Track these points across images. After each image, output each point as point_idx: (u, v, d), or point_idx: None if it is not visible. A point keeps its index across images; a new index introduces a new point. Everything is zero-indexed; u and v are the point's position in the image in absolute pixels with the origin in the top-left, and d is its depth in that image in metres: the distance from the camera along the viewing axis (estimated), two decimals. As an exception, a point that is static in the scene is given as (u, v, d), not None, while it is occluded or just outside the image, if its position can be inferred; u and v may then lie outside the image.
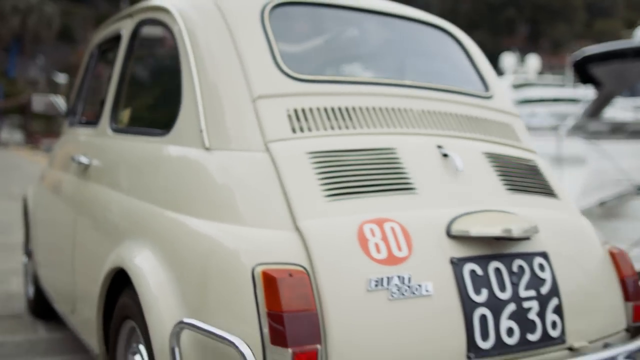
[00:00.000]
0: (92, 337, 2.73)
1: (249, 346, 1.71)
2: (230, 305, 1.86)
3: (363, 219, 1.99)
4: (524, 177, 2.49)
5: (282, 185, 2.04)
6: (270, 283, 1.79)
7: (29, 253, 4.48)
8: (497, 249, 2.11)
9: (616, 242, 2.59)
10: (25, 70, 46.62)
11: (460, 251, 2.06)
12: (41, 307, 4.25)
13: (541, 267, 2.18)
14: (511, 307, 2.07)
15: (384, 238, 1.97)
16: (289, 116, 2.22)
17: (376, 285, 1.88)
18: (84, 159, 3.11)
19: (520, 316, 2.08)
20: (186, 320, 1.84)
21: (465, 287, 2.01)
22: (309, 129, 2.22)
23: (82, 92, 3.92)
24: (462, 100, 2.65)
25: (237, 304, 1.84)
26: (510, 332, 2.04)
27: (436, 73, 2.91)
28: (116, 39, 3.22)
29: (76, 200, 3.13)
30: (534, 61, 26.70)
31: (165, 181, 2.34)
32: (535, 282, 2.15)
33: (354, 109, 2.33)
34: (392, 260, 1.93)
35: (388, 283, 1.90)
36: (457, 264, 2.03)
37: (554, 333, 2.14)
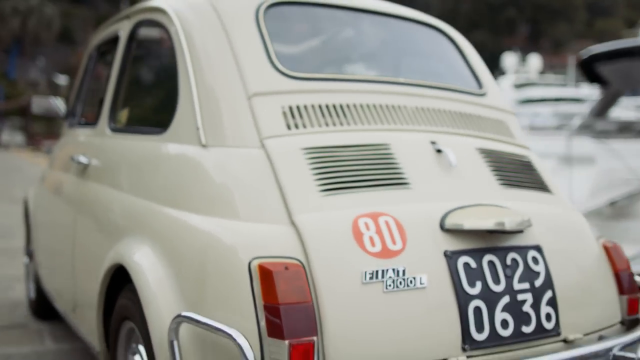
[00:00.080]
0: (92, 335, 2.76)
1: (246, 338, 1.73)
2: (228, 299, 1.88)
3: (357, 213, 2.01)
4: (517, 172, 2.52)
5: (278, 180, 2.07)
6: (266, 276, 1.81)
7: (30, 254, 4.51)
8: (490, 242, 2.14)
9: (628, 243, 2.60)
10: (26, 71, 46.63)
11: (454, 244, 2.08)
12: (42, 308, 4.28)
13: (535, 260, 2.20)
14: (505, 300, 2.09)
15: (379, 232, 1.99)
16: (284, 113, 2.25)
17: (371, 278, 1.91)
18: (83, 159, 3.14)
19: (514, 308, 2.10)
20: (184, 313, 1.87)
21: (459, 279, 2.03)
22: (304, 126, 2.25)
23: (81, 93, 3.95)
24: (456, 97, 2.68)
25: (234, 298, 1.86)
26: (504, 324, 2.07)
27: (430, 71, 2.94)
28: (114, 40, 3.25)
29: (76, 200, 3.15)
30: (535, 61, 26.71)
31: (162, 178, 2.37)
32: (529, 274, 2.17)
33: (348, 106, 2.36)
34: (386, 253, 1.96)
35: (383, 275, 1.92)
36: (451, 257, 2.05)
37: (549, 325, 2.16)
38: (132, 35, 3.02)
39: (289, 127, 2.23)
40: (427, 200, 2.19)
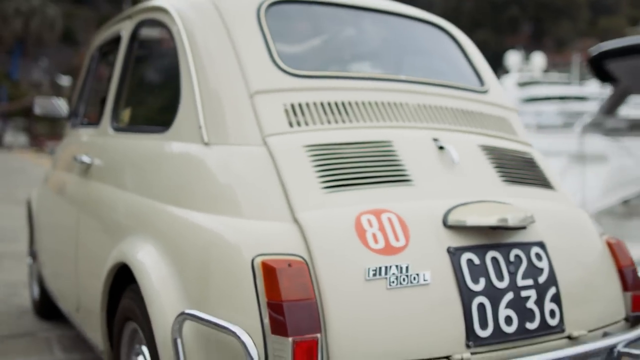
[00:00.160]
0: (96, 335, 2.76)
1: (250, 336, 1.73)
2: (231, 297, 1.88)
3: (360, 210, 2.01)
4: (520, 169, 2.52)
5: (280, 178, 2.07)
6: (269, 273, 1.81)
7: (33, 254, 4.52)
8: (493, 239, 2.14)
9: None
10: (29, 72, 46.66)
11: (457, 241, 2.08)
12: (46, 308, 4.29)
13: (538, 256, 2.20)
14: (509, 296, 2.09)
15: (382, 228, 1.99)
16: (286, 111, 2.25)
17: (374, 275, 1.91)
18: (86, 159, 3.14)
19: (518, 305, 2.10)
20: (188, 311, 1.87)
21: (463, 276, 2.03)
22: (306, 123, 2.25)
23: (83, 94, 3.95)
24: (458, 94, 2.68)
25: (237, 295, 1.86)
26: (508, 320, 2.07)
27: (432, 68, 2.95)
28: (116, 40, 3.25)
29: (79, 200, 3.16)
30: (539, 59, 26.70)
31: (165, 177, 2.37)
32: (533, 271, 2.17)
33: (350, 103, 2.36)
34: (389, 250, 1.96)
35: (386, 272, 1.92)
36: (454, 254, 2.05)
37: (553, 322, 2.16)
38: (134, 35, 3.03)
39: (291, 125, 2.23)
40: (429, 197, 2.19)
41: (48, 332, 4.18)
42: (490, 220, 2.09)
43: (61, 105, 4.03)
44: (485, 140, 2.55)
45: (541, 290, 2.16)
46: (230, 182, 2.10)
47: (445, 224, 2.10)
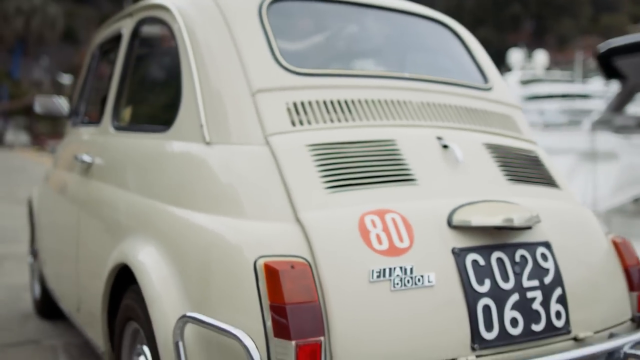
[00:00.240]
0: (97, 335, 2.74)
1: (252, 339, 1.71)
2: (233, 299, 1.86)
3: (364, 210, 1.99)
4: (525, 168, 2.49)
5: (283, 178, 2.04)
6: (272, 275, 1.79)
7: (34, 253, 4.50)
8: (499, 239, 2.11)
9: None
10: (30, 71, 46.71)
11: (462, 241, 2.05)
12: (47, 307, 4.27)
13: (544, 256, 2.17)
14: (515, 297, 2.06)
15: (385, 229, 1.96)
16: (288, 109, 2.22)
17: (378, 276, 1.88)
18: (86, 158, 3.12)
19: (524, 306, 2.07)
20: (189, 314, 1.85)
21: (467, 277, 2.01)
22: (309, 122, 2.22)
23: (84, 92, 3.94)
24: (462, 92, 2.66)
25: (239, 297, 1.84)
26: (514, 322, 2.04)
27: (435, 66, 2.92)
28: (117, 38, 3.23)
29: (79, 199, 3.14)
30: (541, 57, 26.73)
31: (166, 176, 2.35)
32: (538, 272, 2.14)
33: (353, 101, 2.34)
34: (393, 251, 1.93)
35: (390, 274, 1.90)
36: (459, 255, 2.02)
37: (559, 323, 2.13)
38: (135, 33, 3.00)
39: (293, 124, 2.20)
40: (434, 197, 2.16)
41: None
42: (496, 220, 2.06)
43: (62, 104, 4.01)
44: (489, 138, 2.52)
45: (547, 291, 2.13)
46: (232, 182, 2.07)
47: (449, 224, 2.07)
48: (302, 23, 2.80)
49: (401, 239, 1.96)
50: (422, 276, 1.94)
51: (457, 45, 2.98)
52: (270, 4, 2.47)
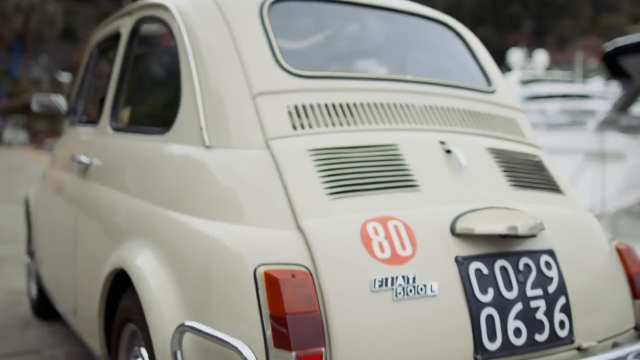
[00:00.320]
0: (94, 339, 2.71)
1: (251, 349, 1.67)
2: (232, 307, 1.82)
3: (366, 218, 1.95)
4: (528, 173, 2.46)
5: (284, 183, 2.00)
6: (272, 284, 1.75)
7: (31, 253, 4.47)
8: (502, 247, 2.07)
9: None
10: (29, 69, 46.66)
11: (465, 250, 2.02)
12: (44, 308, 4.24)
13: (548, 265, 2.14)
14: (518, 307, 2.03)
15: (388, 237, 1.93)
16: (290, 113, 2.18)
17: (380, 286, 1.84)
18: (84, 159, 3.09)
19: (527, 316, 2.04)
20: (188, 323, 1.81)
21: (471, 286, 1.97)
22: (310, 126, 2.18)
23: (82, 91, 3.91)
24: (465, 95, 2.62)
25: (239, 306, 1.80)
26: (517, 332, 2.01)
27: (438, 68, 2.88)
28: (115, 37, 3.20)
29: (77, 200, 3.10)
30: (541, 57, 26.75)
31: (165, 180, 2.31)
32: (542, 280, 2.11)
33: (355, 105, 2.30)
34: (396, 259, 1.90)
35: (392, 283, 1.86)
36: (462, 263, 1.99)
37: (562, 333, 2.10)
38: (134, 32, 2.97)
39: (294, 128, 2.16)
40: (437, 204, 2.12)
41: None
42: (500, 228, 2.03)
43: (59, 102, 3.98)
44: (493, 142, 2.48)
45: (550, 300, 2.10)
46: (232, 187, 2.03)
47: (453, 231, 2.04)
48: (303, 24, 2.76)
49: (404, 247, 1.93)
50: (424, 285, 1.90)
51: (459, 46, 2.95)
52: (272, 3, 2.43)
